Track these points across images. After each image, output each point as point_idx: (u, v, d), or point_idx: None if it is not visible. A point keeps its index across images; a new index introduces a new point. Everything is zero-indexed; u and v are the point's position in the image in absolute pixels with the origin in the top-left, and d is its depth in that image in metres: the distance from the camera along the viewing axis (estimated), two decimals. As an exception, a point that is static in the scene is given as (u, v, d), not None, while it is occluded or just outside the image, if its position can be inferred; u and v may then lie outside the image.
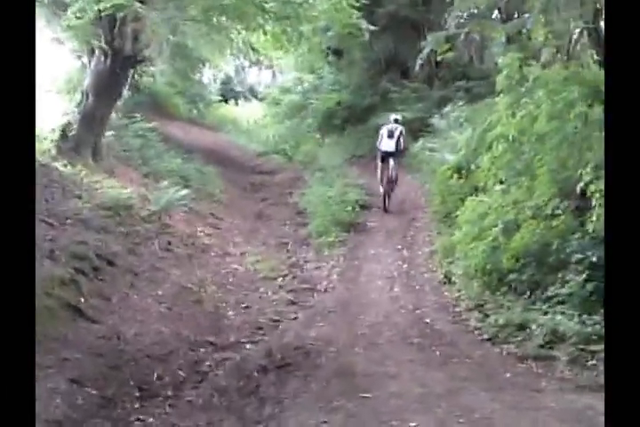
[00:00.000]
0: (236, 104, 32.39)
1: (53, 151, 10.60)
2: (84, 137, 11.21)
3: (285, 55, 22.41)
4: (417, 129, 15.30)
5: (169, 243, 9.41)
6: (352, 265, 9.80)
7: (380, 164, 12.92)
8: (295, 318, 7.62)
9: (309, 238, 11.22)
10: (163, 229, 9.77)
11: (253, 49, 19.11)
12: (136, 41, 10.98)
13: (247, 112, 29.55)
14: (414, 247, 10.42)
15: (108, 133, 12.38)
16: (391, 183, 12.71)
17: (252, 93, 35.07)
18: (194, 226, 10.72)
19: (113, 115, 12.71)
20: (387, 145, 12.82)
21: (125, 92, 12.98)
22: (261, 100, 29.25)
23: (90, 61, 11.82)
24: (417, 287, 8.64)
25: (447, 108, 15.09)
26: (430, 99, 17.20)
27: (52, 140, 10.81)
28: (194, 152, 15.91)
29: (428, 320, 7.33)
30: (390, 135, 12.81)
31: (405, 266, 9.56)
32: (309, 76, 23.21)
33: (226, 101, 32.03)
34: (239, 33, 15.64)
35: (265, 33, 14.36)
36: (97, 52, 11.31)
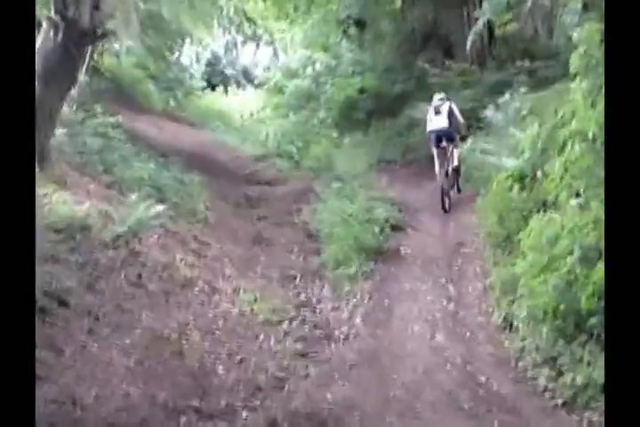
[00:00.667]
0: (226, 92, 32.59)
1: (-13, 155, 10.65)
2: (28, 137, 11.25)
3: (291, 27, 22.60)
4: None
5: (139, 276, 9.39)
6: (381, 305, 9.80)
7: (435, 150, 13.43)
8: (306, 376, 7.61)
9: (323, 270, 11.26)
10: (131, 257, 9.74)
11: (248, 19, 19.32)
12: (96, 10, 11.06)
13: (240, 103, 29.70)
14: (462, 281, 10.41)
15: (59, 132, 12.42)
16: (452, 175, 13.19)
17: (247, 78, 35.30)
18: (171, 253, 10.71)
19: (65, 107, 12.75)
20: (436, 123, 13.50)
21: (82, 78, 13.06)
22: (259, 86, 29.36)
23: (35, 37, 11.93)
24: (467, 335, 8.61)
25: (505, 97, 15.05)
26: (482, 84, 17.26)
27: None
28: (171, 155, 15.93)
29: (482, 379, 7.30)
30: (437, 111, 13.44)
31: (451, 306, 9.55)
32: (322, 55, 23.30)
33: (212, 88, 32.27)
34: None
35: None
36: (44, 24, 11.36)
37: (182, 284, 9.89)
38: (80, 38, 11.46)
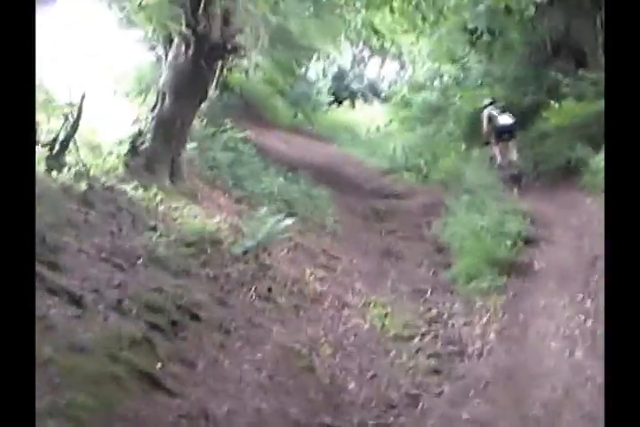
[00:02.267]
0: (353, 107, 32.66)
1: (120, 170, 10.82)
2: (160, 151, 11.43)
3: (417, 41, 22.41)
4: (599, 135, 14.81)
5: (269, 290, 9.35)
6: (515, 320, 9.45)
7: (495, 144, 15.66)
8: (440, 393, 7.38)
9: (454, 284, 11.00)
10: (261, 271, 9.74)
11: (376, 32, 19.18)
12: (226, 24, 11.13)
13: (367, 117, 29.69)
14: (601, 297, 9.95)
15: (190, 146, 12.59)
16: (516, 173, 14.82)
17: (373, 92, 35.30)
18: (301, 267, 10.69)
19: (196, 122, 12.91)
20: (504, 119, 15.67)
21: (212, 92, 13.24)
22: (385, 100, 29.36)
23: (167, 53, 12.09)
24: (608, 353, 8.22)
25: (643, 106, 14.51)
26: (617, 94, 16.68)
27: (118, 156, 11.05)
28: (299, 170, 15.97)
29: (626, 400, 6.92)
30: (503, 110, 15.84)
31: (590, 322, 9.11)
32: (450, 68, 23.04)
33: (339, 103, 32.36)
34: (358, 12, 15.72)
35: (392, 10, 14.36)
36: (176, 39, 11.56)
37: (312, 298, 9.82)
38: (210, 52, 11.59)
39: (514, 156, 16.20)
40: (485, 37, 20.25)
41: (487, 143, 17.25)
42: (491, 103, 16.79)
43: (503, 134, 16.31)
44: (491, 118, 16.59)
